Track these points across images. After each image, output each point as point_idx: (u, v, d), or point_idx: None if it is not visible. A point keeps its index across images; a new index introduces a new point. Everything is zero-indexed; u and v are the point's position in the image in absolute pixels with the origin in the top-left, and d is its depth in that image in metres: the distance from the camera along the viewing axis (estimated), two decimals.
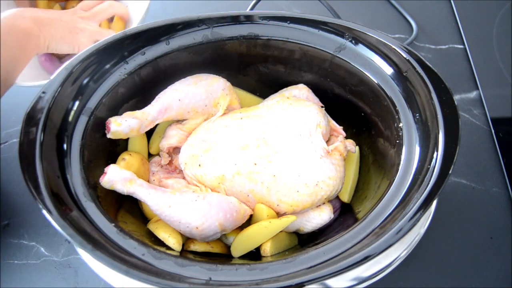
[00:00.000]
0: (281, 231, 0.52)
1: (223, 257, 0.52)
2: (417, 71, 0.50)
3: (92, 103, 0.52)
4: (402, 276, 0.57)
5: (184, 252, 0.50)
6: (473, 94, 0.74)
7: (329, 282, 0.40)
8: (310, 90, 0.60)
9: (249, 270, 0.41)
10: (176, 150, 0.58)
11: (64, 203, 0.44)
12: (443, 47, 0.81)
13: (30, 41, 0.64)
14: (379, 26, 0.83)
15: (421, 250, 0.52)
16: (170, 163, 0.59)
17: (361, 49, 0.54)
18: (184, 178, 0.56)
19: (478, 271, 0.57)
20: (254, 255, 0.52)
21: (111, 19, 0.81)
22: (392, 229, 0.40)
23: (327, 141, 0.56)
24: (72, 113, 0.50)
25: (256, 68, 0.61)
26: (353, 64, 0.54)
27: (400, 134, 0.49)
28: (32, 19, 0.64)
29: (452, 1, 0.86)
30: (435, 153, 0.45)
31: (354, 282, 0.41)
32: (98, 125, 0.52)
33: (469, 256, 0.58)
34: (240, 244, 0.51)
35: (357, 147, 0.59)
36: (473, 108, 0.72)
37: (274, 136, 0.53)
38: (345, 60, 0.55)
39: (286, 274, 0.40)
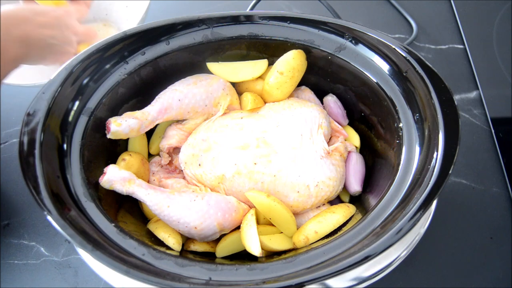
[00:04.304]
0: (281, 232, 0.52)
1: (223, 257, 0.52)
2: (417, 71, 0.49)
3: (92, 103, 0.52)
4: (402, 276, 0.57)
5: (184, 252, 0.50)
6: (473, 94, 0.74)
7: (329, 282, 0.40)
8: (312, 91, 0.60)
9: (249, 270, 0.41)
10: (176, 150, 0.58)
11: (64, 203, 0.44)
12: (443, 47, 0.81)
13: (10, 66, 0.56)
14: (379, 26, 0.83)
15: (421, 250, 0.52)
16: (170, 163, 0.59)
17: (361, 49, 0.54)
18: (184, 178, 0.56)
19: (478, 271, 0.57)
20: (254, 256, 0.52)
21: None
22: (392, 229, 0.40)
23: (328, 142, 0.56)
24: (72, 113, 0.50)
25: None
26: (353, 64, 0.54)
27: (400, 134, 0.49)
28: (20, 41, 0.55)
29: (452, 1, 0.86)
30: (435, 153, 0.45)
31: (354, 282, 0.41)
32: (98, 125, 0.52)
33: (469, 256, 0.58)
34: (227, 246, 0.51)
35: (357, 147, 0.59)
36: (473, 108, 0.72)
37: (275, 136, 0.53)
38: (345, 60, 0.55)
39: (286, 274, 0.40)
